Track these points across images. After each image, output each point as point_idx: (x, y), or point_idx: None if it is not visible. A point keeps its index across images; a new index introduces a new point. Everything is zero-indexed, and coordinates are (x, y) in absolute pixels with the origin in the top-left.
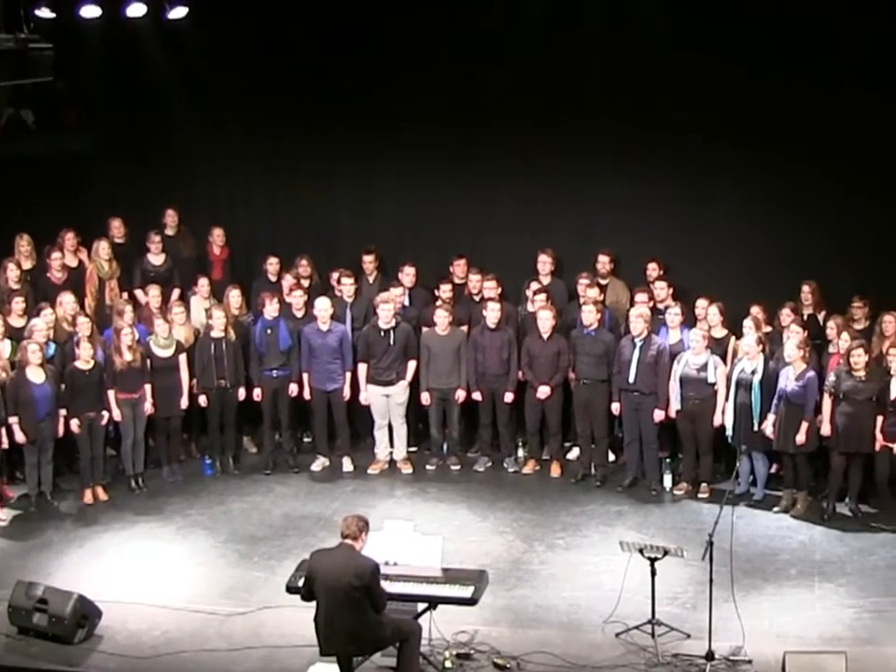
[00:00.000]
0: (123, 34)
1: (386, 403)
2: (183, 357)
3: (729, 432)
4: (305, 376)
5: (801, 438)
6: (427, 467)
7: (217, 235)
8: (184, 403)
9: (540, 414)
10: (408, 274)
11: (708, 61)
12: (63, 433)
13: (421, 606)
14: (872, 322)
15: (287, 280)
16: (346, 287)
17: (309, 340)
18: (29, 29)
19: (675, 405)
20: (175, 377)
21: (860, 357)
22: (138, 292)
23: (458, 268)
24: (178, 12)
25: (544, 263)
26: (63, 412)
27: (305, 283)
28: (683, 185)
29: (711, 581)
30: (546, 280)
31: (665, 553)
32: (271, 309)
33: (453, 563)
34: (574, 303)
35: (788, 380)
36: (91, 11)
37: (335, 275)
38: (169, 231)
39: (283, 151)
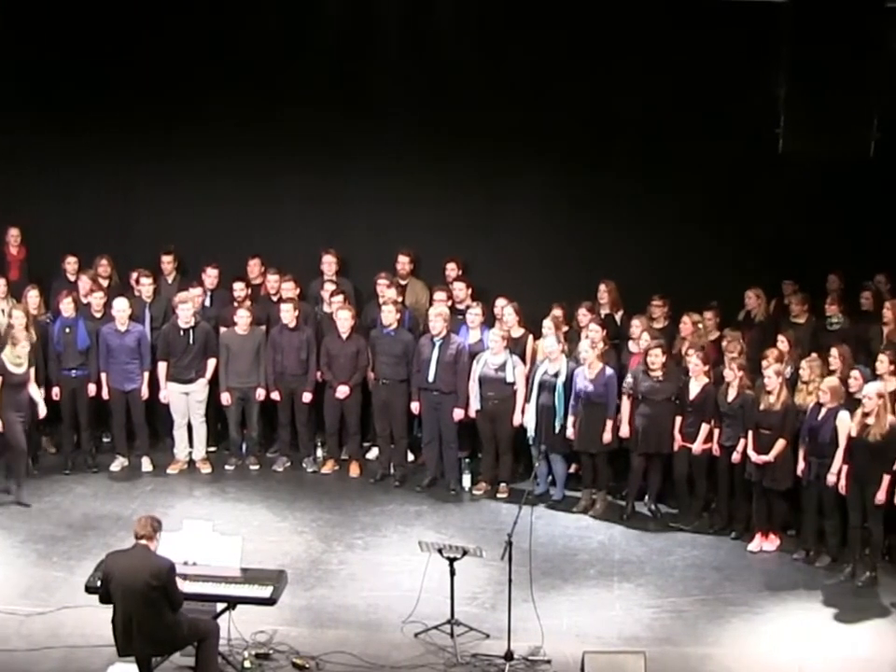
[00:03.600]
0: None
1: (186, 402)
2: None
3: (530, 433)
4: (104, 376)
5: (607, 437)
6: (227, 467)
7: (13, 235)
8: None
9: (339, 414)
10: (210, 276)
11: (505, 62)
12: None
13: (220, 606)
14: (672, 321)
15: (83, 281)
16: (145, 287)
17: (107, 340)
18: None
19: (474, 405)
20: None
21: (657, 358)
22: None
23: (251, 268)
24: None
25: (329, 264)
26: None
27: (104, 283)
28: (482, 185)
29: (510, 580)
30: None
31: (464, 552)
32: (67, 308)
33: (252, 563)
34: (373, 303)
35: (585, 380)
36: None
37: (134, 275)
38: None
39: (80, 151)
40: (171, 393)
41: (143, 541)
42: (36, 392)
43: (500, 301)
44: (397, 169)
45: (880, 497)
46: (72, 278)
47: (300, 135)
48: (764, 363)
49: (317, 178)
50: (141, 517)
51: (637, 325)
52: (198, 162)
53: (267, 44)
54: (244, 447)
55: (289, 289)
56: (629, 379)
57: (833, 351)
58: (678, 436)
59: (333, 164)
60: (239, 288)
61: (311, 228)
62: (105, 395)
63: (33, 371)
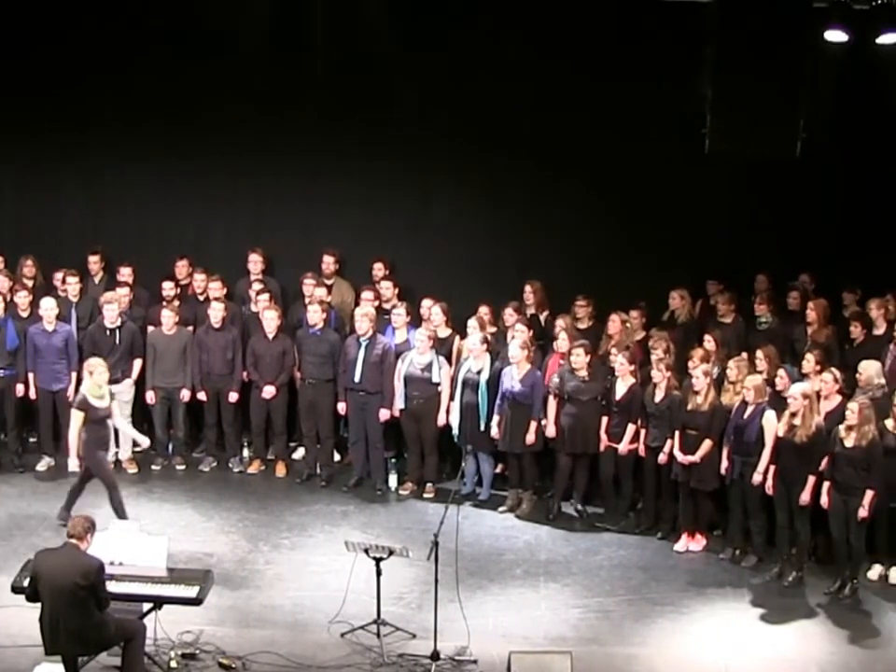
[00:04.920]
0: None
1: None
2: None
3: (455, 432)
4: (31, 376)
5: (530, 437)
6: (153, 467)
7: None
8: None
9: (266, 414)
10: (124, 275)
11: (436, 61)
12: None
13: (146, 605)
14: (597, 322)
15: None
16: (71, 287)
17: (34, 340)
18: None
19: (399, 404)
20: None
21: (579, 358)
22: None
23: (179, 268)
24: None
25: (255, 263)
26: None
27: (29, 283)
28: (409, 185)
29: (436, 580)
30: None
31: (391, 552)
32: None
33: (178, 563)
34: (299, 303)
35: (512, 380)
36: None
37: (59, 275)
38: None
39: (5, 149)
40: None
41: (73, 541)
42: (124, 424)
43: (427, 302)
44: (323, 169)
45: (805, 497)
46: None
47: (225, 135)
48: (691, 363)
49: (244, 178)
50: (76, 516)
51: (560, 325)
52: (125, 162)
53: (191, 45)
54: (170, 447)
55: (216, 289)
56: (555, 379)
57: (759, 352)
58: (604, 436)
59: (260, 164)
60: (168, 288)
61: (237, 228)
62: (32, 395)
63: (115, 403)
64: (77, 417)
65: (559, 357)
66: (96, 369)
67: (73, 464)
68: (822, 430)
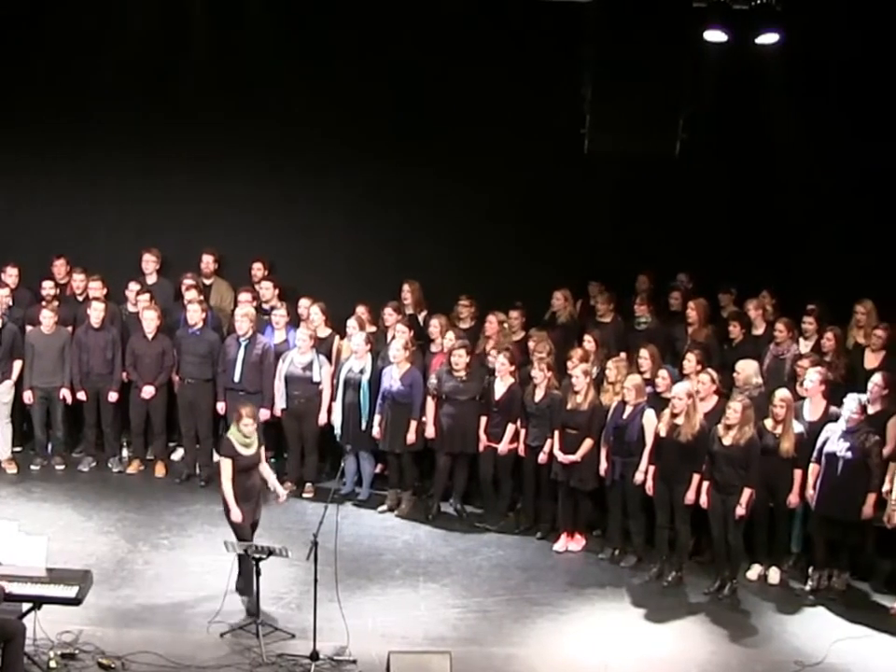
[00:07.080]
0: None
1: None
2: None
3: (337, 431)
4: None
5: (410, 437)
6: (32, 467)
7: None
8: None
9: (145, 414)
10: (10, 275)
11: (311, 61)
12: None
13: (25, 606)
14: (479, 321)
15: None
16: None
17: None
18: None
19: (280, 403)
20: None
21: (460, 358)
22: None
23: (57, 268)
24: None
25: (148, 262)
26: None
27: None
28: (289, 185)
29: (316, 581)
30: (152, 279)
31: (270, 553)
32: None
33: (57, 563)
34: (179, 303)
35: (392, 380)
36: None
37: None
38: None
39: None
40: None
41: None
42: (269, 472)
43: (305, 301)
44: (203, 168)
45: (690, 496)
46: None
47: (108, 135)
48: (570, 363)
49: (126, 178)
50: None
51: (435, 325)
52: (4, 161)
53: (76, 44)
54: (49, 447)
55: (97, 289)
56: (433, 379)
57: (643, 352)
58: (483, 436)
59: (140, 164)
60: (49, 287)
61: (120, 227)
62: None
63: (263, 449)
64: (227, 466)
65: (441, 357)
66: (243, 419)
67: (237, 516)
68: (705, 429)
